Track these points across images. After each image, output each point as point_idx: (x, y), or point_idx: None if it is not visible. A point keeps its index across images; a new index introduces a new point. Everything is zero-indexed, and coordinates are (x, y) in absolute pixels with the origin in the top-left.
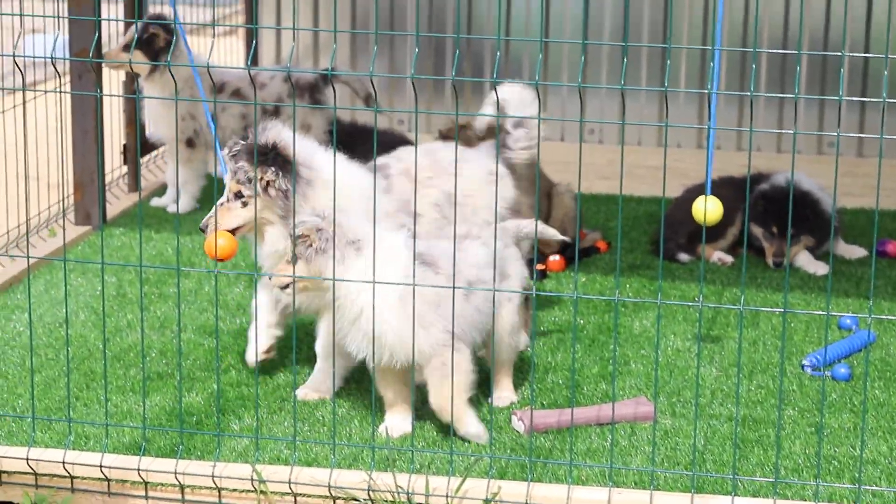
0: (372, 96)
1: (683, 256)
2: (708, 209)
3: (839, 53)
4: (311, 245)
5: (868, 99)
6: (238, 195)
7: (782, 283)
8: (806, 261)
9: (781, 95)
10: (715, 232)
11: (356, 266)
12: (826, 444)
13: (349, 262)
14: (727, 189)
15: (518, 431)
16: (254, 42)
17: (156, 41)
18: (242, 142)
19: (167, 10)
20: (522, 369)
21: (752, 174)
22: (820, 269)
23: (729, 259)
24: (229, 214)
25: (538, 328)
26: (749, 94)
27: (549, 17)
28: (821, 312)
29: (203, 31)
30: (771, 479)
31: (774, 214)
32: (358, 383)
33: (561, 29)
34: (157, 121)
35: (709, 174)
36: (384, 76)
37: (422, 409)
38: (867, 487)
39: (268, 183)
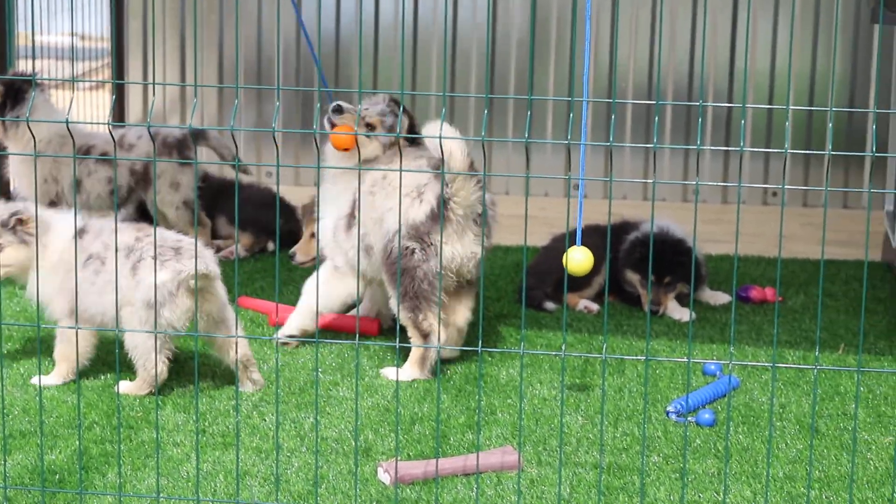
0: (235, 156)
1: (549, 305)
2: (578, 259)
3: (699, 103)
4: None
5: (728, 148)
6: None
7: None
8: (672, 307)
9: (644, 145)
10: (581, 280)
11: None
12: (690, 489)
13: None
14: (593, 237)
15: (384, 483)
16: (113, 99)
17: None
18: None
19: (35, 65)
20: (388, 420)
21: (619, 222)
22: (685, 315)
23: (595, 307)
24: None
25: (402, 382)
26: (609, 143)
27: (415, 70)
28: (683, 359)
29: (68, 84)
30: None
31: (652, 263)
32: (223, 437)
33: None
34: (20, 178)
35: (579, 224)
36: (245, 130)
37: (286, 462)
38: None
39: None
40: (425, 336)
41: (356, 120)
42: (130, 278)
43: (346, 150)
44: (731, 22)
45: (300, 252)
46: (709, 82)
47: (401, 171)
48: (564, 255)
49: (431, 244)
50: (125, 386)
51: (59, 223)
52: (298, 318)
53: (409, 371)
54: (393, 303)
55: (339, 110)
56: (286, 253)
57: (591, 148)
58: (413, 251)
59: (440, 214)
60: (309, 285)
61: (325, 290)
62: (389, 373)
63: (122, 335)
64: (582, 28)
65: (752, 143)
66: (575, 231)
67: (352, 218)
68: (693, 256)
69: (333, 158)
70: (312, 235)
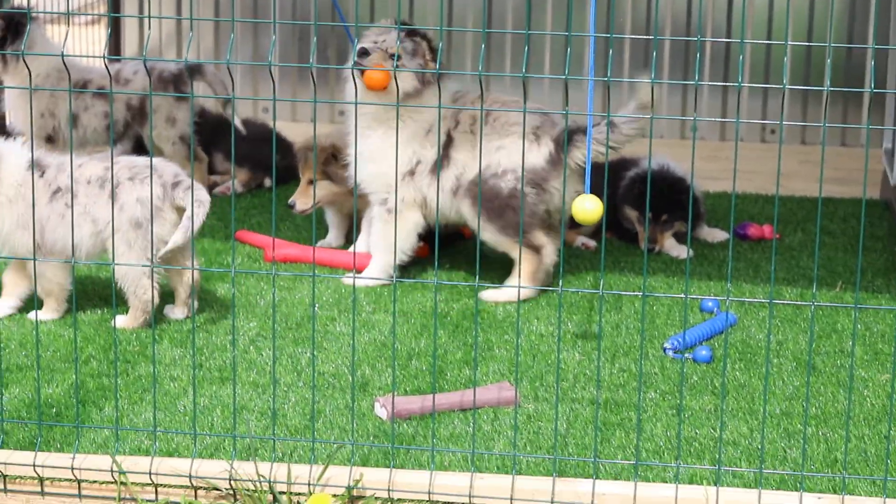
0: (231, 93)
1: None
2: (589, 208)
3: (696, 38)
4: None
5: (726, 83)
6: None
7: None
8: (670, 244)
9: (641, 80)
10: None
11: None
12: (687, 426)
13: None
14: (592, 174)
15: (381, 418)
16: (108, 32)
17: None
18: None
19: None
20: (385, 355)
21: (618, 159)
22: (683, 252)
23: (593, 244)
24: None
25: (401, 313)
26: (607, 79)
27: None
28: (680, 296)
29: (64, 20)
30: (632, 462)
31: (651, 199)
32: (220, 371)
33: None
34: (16, 112)
35: (588, 171)
36: (242, 64)
37: (283, 396)
38: (727, 468)
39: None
40: (537, 250)
41: (383, 56)
42: (110, 206)
43: (383, 88)
44: None
45: (299, 200)
46: (707, 18)
47: (524, 111)
48: (574, 204)
49: (546, 190)
50: (121, 320)
51: (12, 155)
52: (382, 258)
53: (527, 281)
54: (485, 232)
55: (365, 53)
56: (283, 189)
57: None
58: (526, 195)
59: (562, 158)
60: (376, 236)
61: (391, 232)
62: (492, 294)
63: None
64: None
65: (751, 79)
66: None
67: (445, 159)
68: (691, 194)
69: (369, 98)
70: (310, 182)
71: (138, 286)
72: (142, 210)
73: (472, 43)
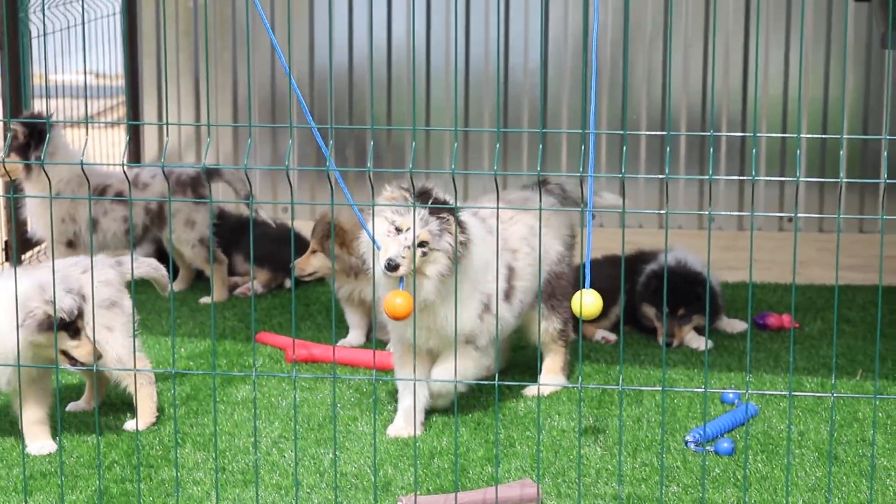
0: (250, 194)
1: None
2: (589, 303)
3: (710, 133)
4: None
5: (741, 178)
6: (422, 244)
7: (666, 359)
8: (690, 337)
9: (656, 176)
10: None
11: None
12: None
13: None
14: (610, 268)
15: None
16: (127, 139)
17: (15, 140)
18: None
19: (50, 105)
20: (407, 454)
21: (636, 252)
22: (703, 344)
23: (612, 337)
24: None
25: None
26: (622, 175)
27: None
28: (699, 389)
29: (88, 125)
30: None
31: (667, 295)
32: (243, 474)
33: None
34: (37, 219)
35: (587, 265)
36: (259, 168)
37: (306, 498)
38: None
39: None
40: (568, 344)
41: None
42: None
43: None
44: (743, 50)
45: (299, 265)
46: (722, 111)
47: (541, 209)
48: (574, 297)
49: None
50: (132, 424)
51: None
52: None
53: (559, 379)
54: (547, 325)
55: (394, 267)
56: (303, 290)
57: (607, 178)
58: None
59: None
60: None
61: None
62: (534, 389)
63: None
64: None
65: (767, 169)
66: (596, 271)
67: (511, 288)
68: (707, 287)
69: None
70: (314, 252)
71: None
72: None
73: (489, 142)
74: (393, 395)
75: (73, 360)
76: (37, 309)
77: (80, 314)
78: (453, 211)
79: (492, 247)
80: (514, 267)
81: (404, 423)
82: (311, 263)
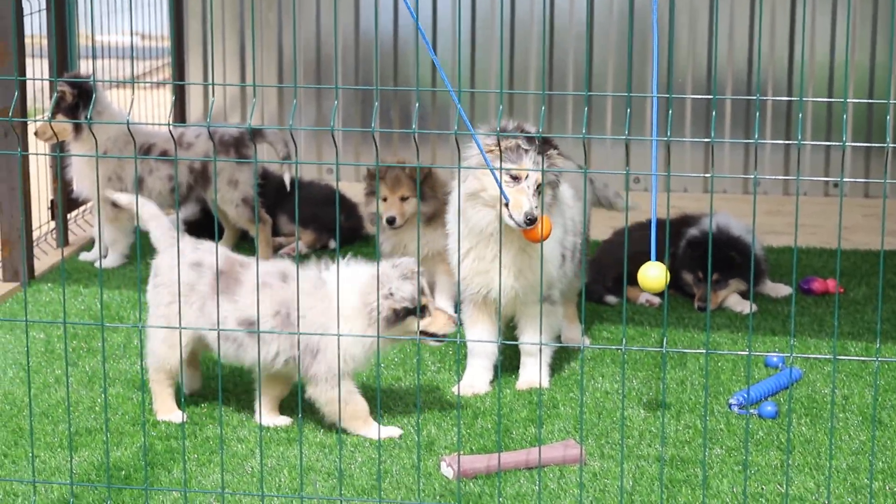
0: (292, 154)
1: (611, 299)
2: (654, 276)
3: (756, 97)
4: None
5: (787, 142)
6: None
7: (711, 323)
8: (734, 301)
9: (702, 140)
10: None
11: None
12: (753, 481)
13: None
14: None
15: (447, 477)
16: (173, 100)
17: (63, 100)
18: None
19: (96, 66)
20: (450, 415)
21: (680, 217)
22: (747, 307)
23: (656, 300)
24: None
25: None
26: (668, 138)
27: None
28: (743, 352)
29: (133, 85)
30: None
31: (703, 261)
32: (287, 432)
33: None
34: (82, 180)
35: (653, 242)
36: (304, 129)
37: (350, 457)
38: None
39: None
40: None
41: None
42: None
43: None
44: (790, 15)
45: (398, 211)
46: (768, 75)
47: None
48: (640, 272)
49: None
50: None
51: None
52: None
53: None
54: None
55: (533, 220)
56: (346, 250)
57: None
58: None
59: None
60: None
61: (557, 321)
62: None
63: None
64: (643, 25)
65: (813, 134)
66: (641, 233)
67: (574, 245)
68: (752, 252)
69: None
70: (404, 198)
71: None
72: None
73: (534, 103)
74: (435, 355)
75: (433, 335)
76: (378, 306)
77: (422, 292)
78: (550, 143)
79: (568, 193)
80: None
81: (472, 381)
82: (406, 210)
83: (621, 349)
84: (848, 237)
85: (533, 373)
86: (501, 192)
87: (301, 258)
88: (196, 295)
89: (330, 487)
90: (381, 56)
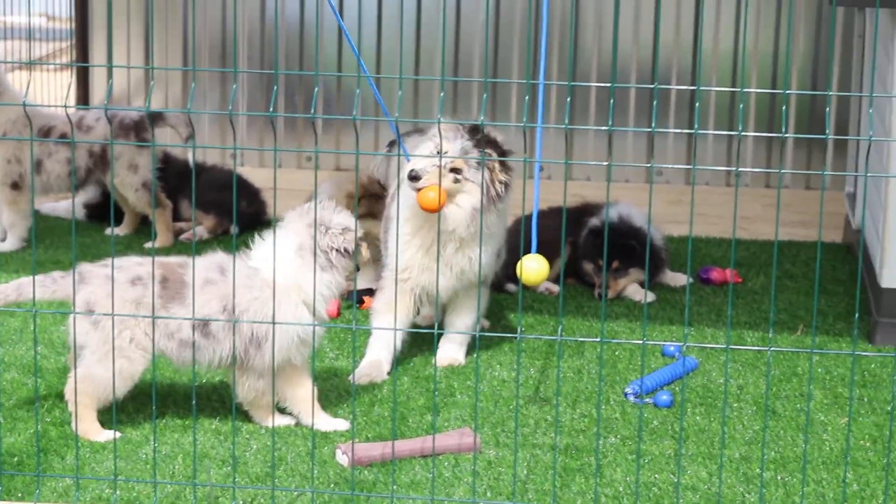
0: (191, 137)
1: (511, 287)
2: (534, 269)
3: (654, 86)
4: None
5: (683, 130)
6: (456, 171)
7: (609, 312)
8: (633, 290)
9: (601, 128)
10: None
11: None
12: (646, 470)
13: None
14: (555, 219)
15: (342, 465)
16: (71, 81)
17: None
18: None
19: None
20: (347, 402)
21: (581, 205)
22: (646, 297)
23: (556, 289)
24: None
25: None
26: (565, 126)
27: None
28: (638, 342)
29: (31, 66)
30: None
31: (603, 249)
32: (182, 419)
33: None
34: None
35: (534, 231)
36: (203, 113)
37: (245, 444)
38: None
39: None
40: None
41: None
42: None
43: (436, 211)
44: (695, 4)
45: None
46: (672, 64)
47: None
48: (518, 264)
49: None
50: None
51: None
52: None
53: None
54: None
55: (415, 177)
56: (248, 235)
57: (555, 129)
58: None
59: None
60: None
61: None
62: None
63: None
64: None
65: (716, 124)
66: (529, 221)
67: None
68: (647, 242)
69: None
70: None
71: None
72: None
73: (439, 90)
74: (334, 342)
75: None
76: (341, 242)
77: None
78: (500, 149)
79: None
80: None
81: (370, 370)
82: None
83: (517, 337)
84: (748, 227)
85: (453, 349)
86: (404, 152)
87: (203, 244)
88: (145, 309)
89: (224, 475)
90: (288, 41)
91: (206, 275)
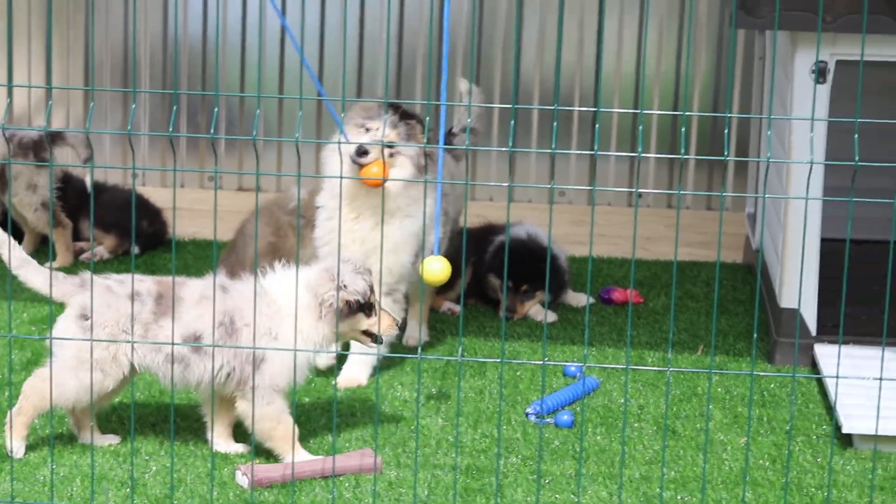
0: (90, 158)
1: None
2: (435, 269)
3: (554, 107)
4: None
5: (582, 151)
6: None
7: (511, 332)
8: (535, 310)
9: (501, 149)
10: (445, 282)
11: None
12: (547, 490)
13: None
14: (457, 240)
15: (242, 486)
16: None
17: None
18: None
19: None
20: (241, 426)
21: (484, 225)
22: (549, 317)
23: (458, 308)
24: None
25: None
26: (465, 147)
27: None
28: (538, 362)
29: None
30: None
31: (513, 270)
32: (77, 439)
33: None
34: None
35: (437, 232)
36: (100, 133)
37: (144, 465)
38: None
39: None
40: None
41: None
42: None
43: (379, 185)
44: (596, 25)
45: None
46: (575, 85)
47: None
48: (421, 264)
49: None
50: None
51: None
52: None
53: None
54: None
55: (364, 152)
56: (150, 256)
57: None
58: None
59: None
60: None
61: None
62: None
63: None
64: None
65: (619, 145)
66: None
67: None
68: (558, 265)
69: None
70: None
71: None
72: None
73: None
74: None
75: (373, 338)
76: (331, 297)
77: (371, 290)
78: (420, 120)
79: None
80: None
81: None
82: None
83: (417, 357)
84: (650, 248)
85: (355, 369)
86: (342, 130)
87: (104, 264)
88: (138, 325)
89: (123, 497)
90: (191, 60)
91: (205, 292)
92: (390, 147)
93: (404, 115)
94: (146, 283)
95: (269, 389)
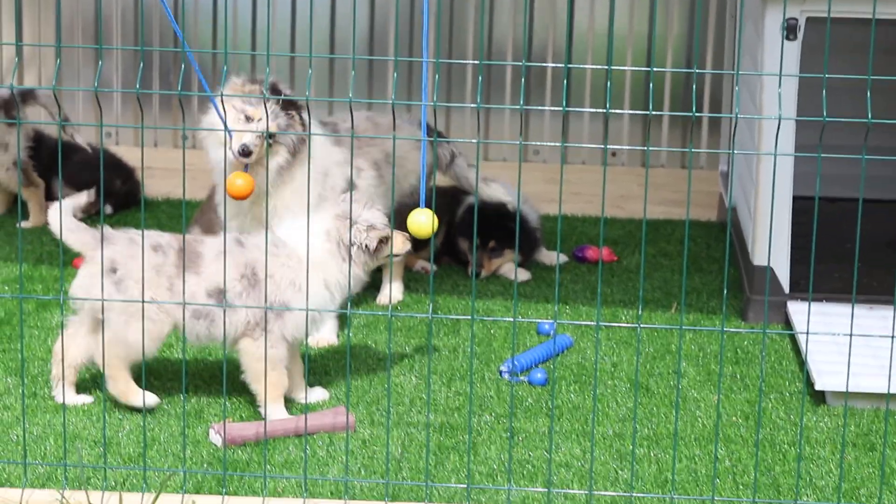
0: (59, 116)
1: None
2: (422, 222)
3: (522, 63)
4: None
5: (550, 108)
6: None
7: (485, 290)
8: (508, 268)
9: (469, 105)
10: (418, 241)
11: None
12: (521, 448)
13: None
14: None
15: (215, 445)
16: None
17: None
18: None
19: None
20: (219, 381)
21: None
22: (521, 275)
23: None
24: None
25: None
26: (434, 103)
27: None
28: (509, 319)
29: None
30: (464, 485)
31: (481, 229)
32: (52, 400)
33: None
34: None
35: (423, 186)
36: (66, 89)
37: (117, 424)
38: (558, 490)
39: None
40: None
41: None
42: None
43: (246, 198)
44: None
45: None
46: (548, 42)
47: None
48: (409, 218)
49: None
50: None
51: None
52: None
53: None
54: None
55: (247, 153)
56: (123, 215)
57: (432, 108)
58: None
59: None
60: None
61: None
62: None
63: None
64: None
65: (593, 103)
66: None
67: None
68: (526, 224)
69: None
70: None
71: None
72: None
73: (315, 66)
74: None
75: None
76: (365, 239)
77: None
78: (298, 108)
79: (334, 157)
80: (357, 184)
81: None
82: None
83: (388, 315)
84: (625, 206)
85: (326, 329)
86: (226, 127)
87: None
88: (164, 277)
89: (96, 455)
90: (163, 20)
91: (222, 247)
92: (271, 138)
93: (286, 106)
94: (166, 237)
95: (281, 336)
